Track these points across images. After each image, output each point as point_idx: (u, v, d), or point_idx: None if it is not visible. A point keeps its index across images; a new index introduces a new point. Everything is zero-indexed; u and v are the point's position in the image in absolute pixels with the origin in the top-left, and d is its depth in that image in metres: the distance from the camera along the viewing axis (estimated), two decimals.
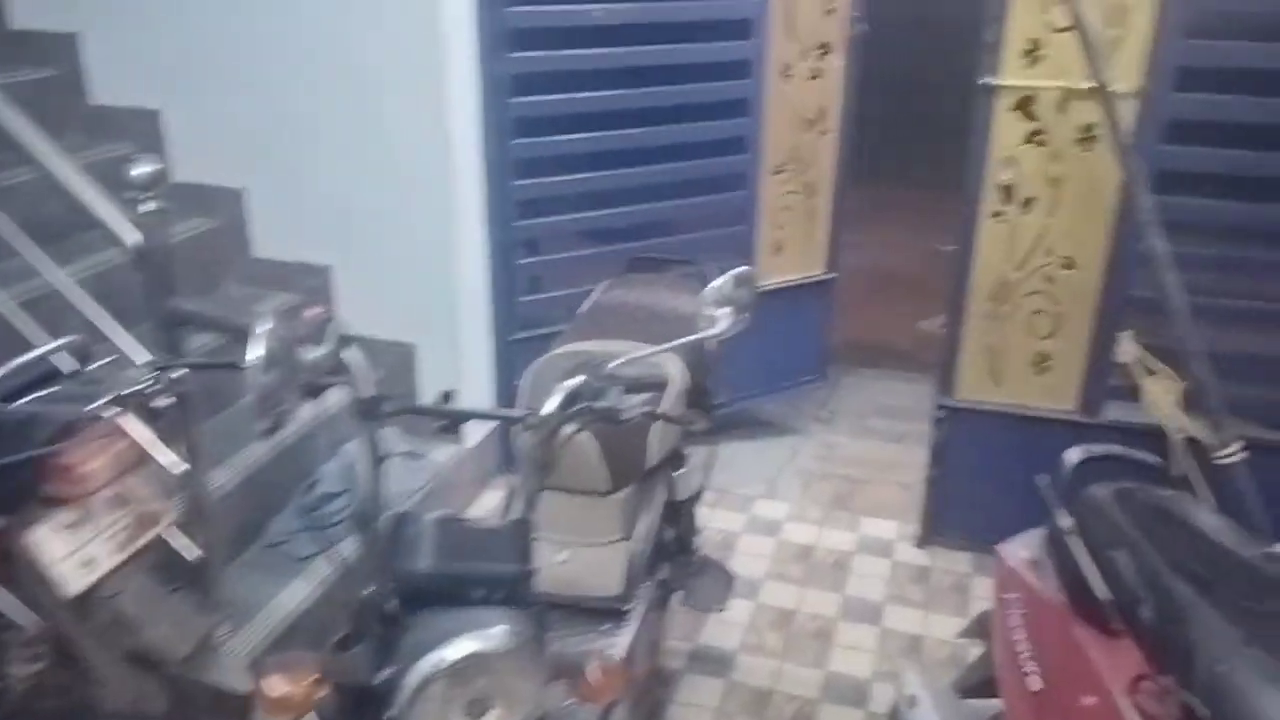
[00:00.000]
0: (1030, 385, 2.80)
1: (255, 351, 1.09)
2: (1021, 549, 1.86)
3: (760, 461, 3.54)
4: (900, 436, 3.77)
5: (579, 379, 1.47)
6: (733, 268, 1.64)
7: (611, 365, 1.46)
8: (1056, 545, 1.73)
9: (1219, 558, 1.56)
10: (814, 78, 3.32)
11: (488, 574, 1.27)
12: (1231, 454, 2.23)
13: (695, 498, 2.28)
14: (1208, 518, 1.69)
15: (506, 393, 3.14)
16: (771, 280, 3.43)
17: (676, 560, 2.25)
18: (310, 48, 2.79)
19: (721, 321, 1.54)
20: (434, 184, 2.86)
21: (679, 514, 2.23)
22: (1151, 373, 2.58)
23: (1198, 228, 2.52)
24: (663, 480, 2.13)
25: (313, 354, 1.26)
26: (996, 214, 2.68)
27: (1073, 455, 1.84)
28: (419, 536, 1.30)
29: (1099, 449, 1.87)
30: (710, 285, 1.57)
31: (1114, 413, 2.73)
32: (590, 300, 2.37)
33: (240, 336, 1.13)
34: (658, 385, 1.59)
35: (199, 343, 2.20)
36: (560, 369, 1.99)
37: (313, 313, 1.29)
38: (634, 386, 1.53)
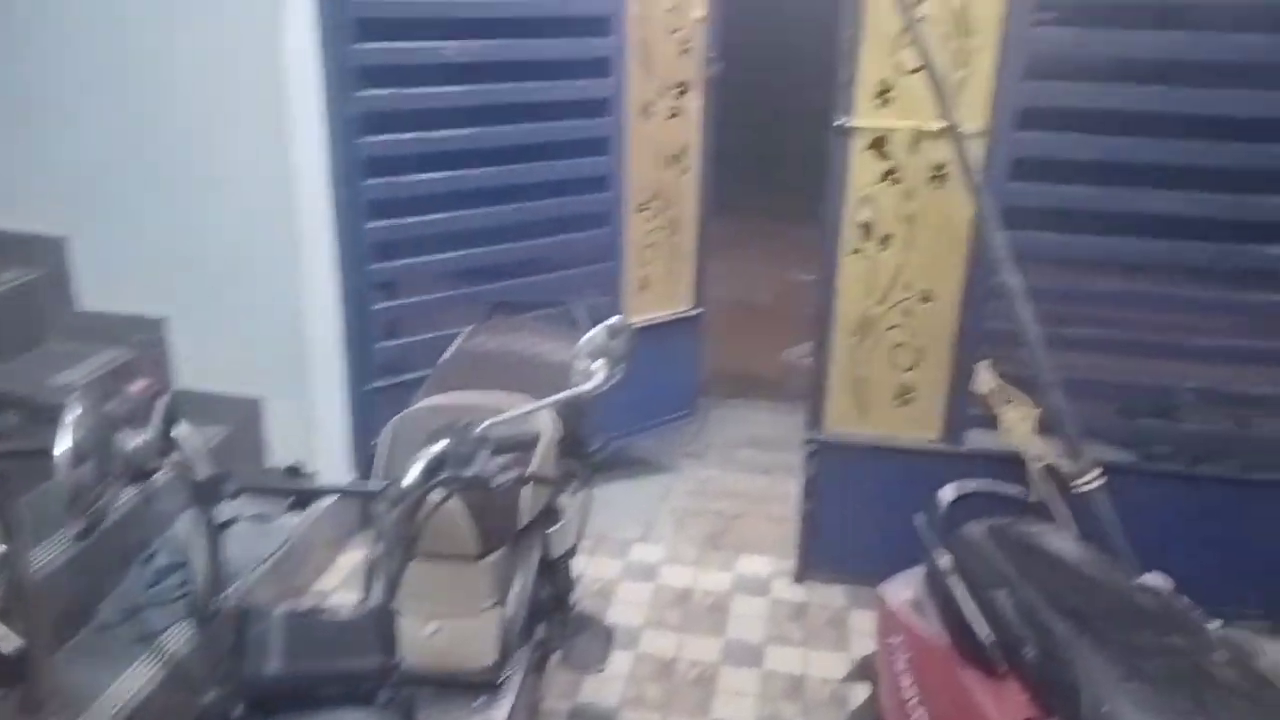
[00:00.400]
0: (895, 416, 2.84)
1: (63, 443, 0.95)
2: (903, 589, 1.85)
3: (635, 502, 3.48)
4: (769, 468, 3.79)
5: (442, 444, 1.37)
6: (601, 309, 1.57)
7: (480, 428, 1.36)
8: (937, 586, 1.72)
9: (1092, 592, 1.58)
10: (673, 116, 3.34)
11: (346, 672, 1.15)
12: (1089, 481, 2.29)
13: (570, 552, 2.19)
14: (1077, 550, 1.71)
15: (364, 446, 2.99)
16: (639, 317, 3.41)
17: (553, 619, 2.16)
18: (140, 81, 2.60)
19: (597, 375, 1.48)
20: (279, 227, 2.69)
21: (554, 571, 2.14)
22: (1008, 401, 2.64)
23: (1046, 260, 2.60)
24: (536, 537, 2.03)
25: (135, 440, 1.12)
26: (856, 250, 2.72)
27: (946, 494, 1.84)
28: (266, 635, 1.18)
29: (970, 485, 1.88)
30: (584, 338, 1.51)
31: (975, 441, 2.79)
32: (453, 348, 2.27)
33: (50, 416, 0.98)
34: (528, 443, 1.50)
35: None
36: (423, 425, 1.89)
37: (138, 387, 1.14)
38: (503, 446, 1.44)
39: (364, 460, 3.03)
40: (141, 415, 1.14)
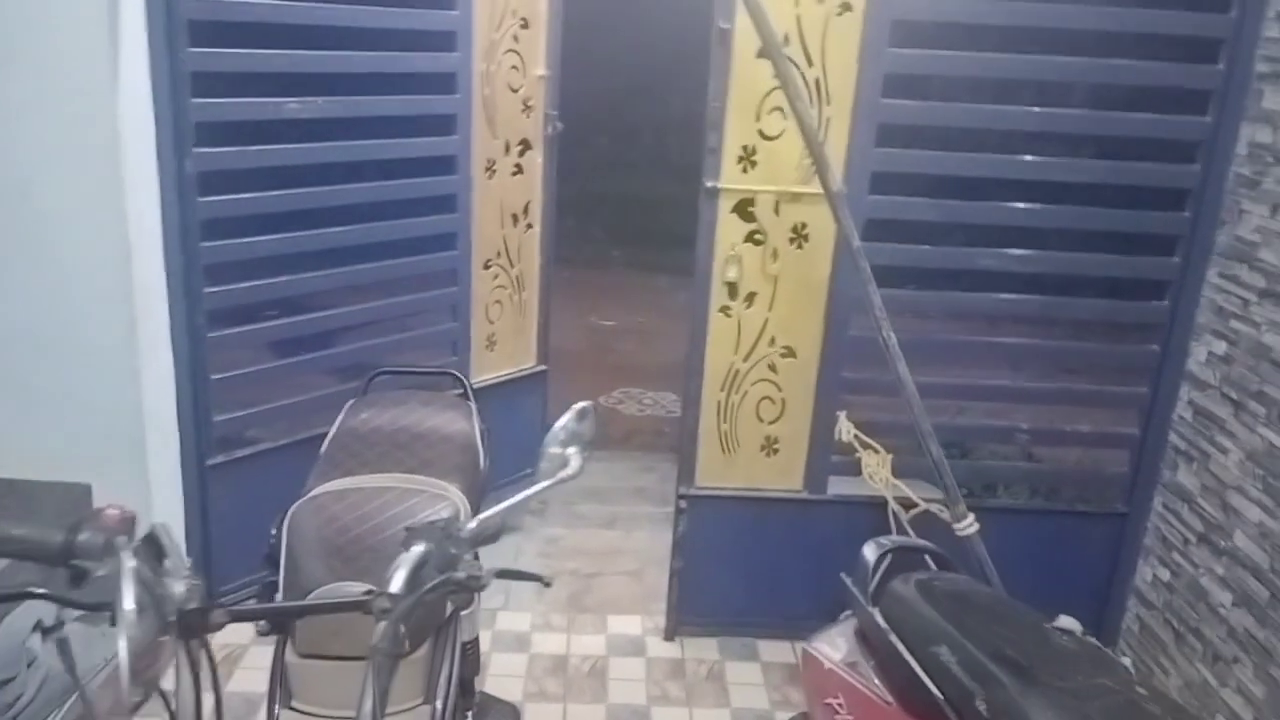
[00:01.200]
0: (762, 467, 2.91)
1: (127, 600, 0.78)
2: (831, 649, 1.88)
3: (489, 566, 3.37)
4: (612, 521, 3.79)
5: (422, 546, 1.29)
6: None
7: (470, 525, 1.31)
8: (875, 646, 1.77)
9: (1023, 639, 1.66)
10: (517, 173, 3.31)
11: None
12: (967, 526, 2.45)
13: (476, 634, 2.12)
14: (994, 598, 1.81)
15: (201, 529, 2.73)
16: (486, 376, 3.35)
17: (464, 705, 2.06)
18: None
19: (574, 461, 1.47)
20: (109, 293, 2.41)
21: (465, 655, 2.04)
22: (866, 447, 2.79)
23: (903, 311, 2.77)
24: (453, 623, 1.94)
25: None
26: (724, 309, 2.78)
27: (870, 552, 1.90)
28: None
29: (887, 541, 1.96)
30: (555, 425, 1.50)
31: (837, 487, 2.91)
32: (336, 426, 2.15)
33: (59, 562, 0.81)
34: (492, 535, 1.44)
35: None
36: (326, 515, 1.79)
37: (113, 515, 0.96)
38: (473, 541, 1.39)
39: (199, 543, 2.76)
40: (108, 547, 0.97)
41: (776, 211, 2.70)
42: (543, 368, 3.61)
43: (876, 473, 2.73)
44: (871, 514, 2.75)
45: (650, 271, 6.67)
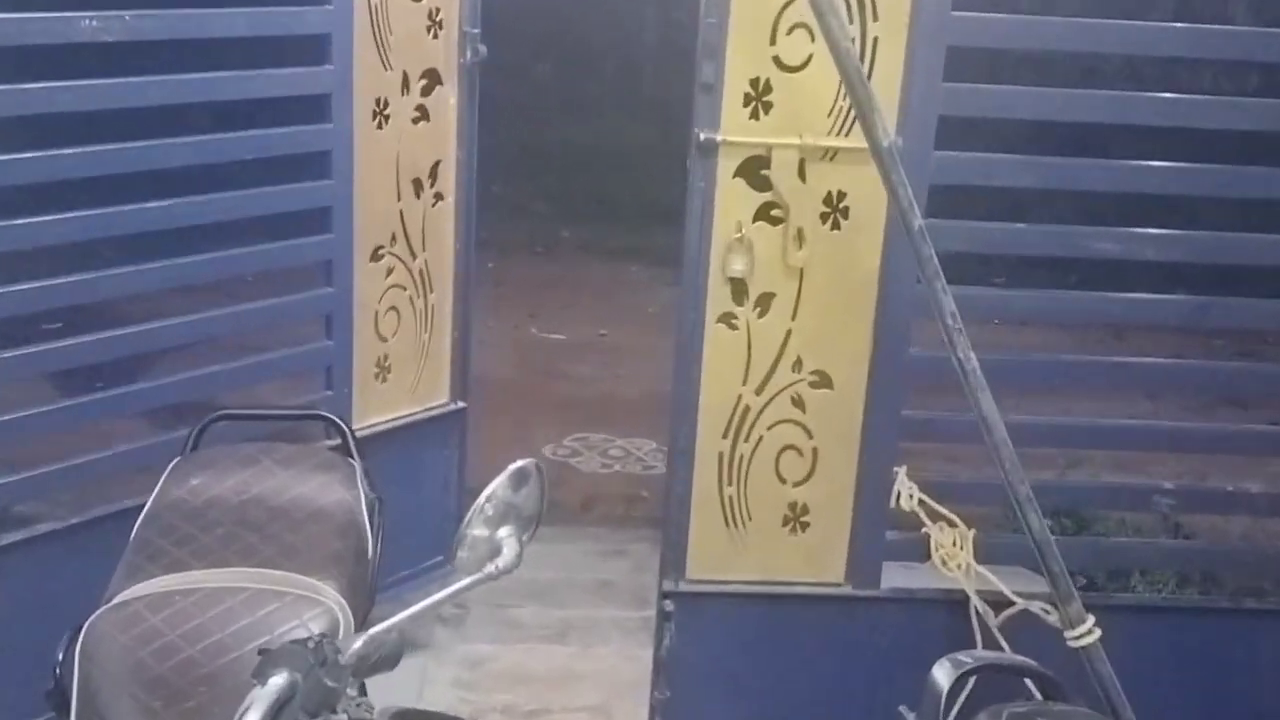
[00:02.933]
0: (785, 551, 2.94)
1: None
2: None
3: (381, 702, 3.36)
4: (565, 631, 3.80)
5: (282, 678, 1.32)
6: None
7: (356, 644, 1.33)
8: None
9: None
10: (420, 120, 3.34)
11: None
12: (1085, 633, 2.48)
13: None
14: None
15: None
16: (376, 419, 3.38)
17: None
18: None
19: (508, 548, 1.51)
20: None
21: None
22: (937, 519, 2.82)
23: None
24: None
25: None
26: (726, 317, 2.80)
27: (943, 674, 1.94)
28: None
29: (968, 658, 2.00)
30: (481, 496, 1.52)
31: (895, 578, 2.93)
32: (155, 498, 2.18)
33: None
34: (389, 659, 1.48)
35: None
36: (139, 628, 1.80)
37: None
38: (361, 669, 1.42)
39: None
40: None
41: (802, 175, 2.73)
42: (460, 405, 3.62)
43: (952, 556, 2.76)
44: (945, 616, 2.78)
45: (617, 259, 6.75)
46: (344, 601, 1.94)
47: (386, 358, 3.41)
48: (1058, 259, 2.96)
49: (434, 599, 1.50)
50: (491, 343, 5.41)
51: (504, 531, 1.56)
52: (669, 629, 2.94)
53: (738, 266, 2.76)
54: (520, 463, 1.59)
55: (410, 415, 3.49)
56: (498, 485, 1.56)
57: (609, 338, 6.07)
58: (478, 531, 1.54)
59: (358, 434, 2.67)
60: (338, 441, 2.49)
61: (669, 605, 2.94)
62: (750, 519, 2.92)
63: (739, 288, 2.78)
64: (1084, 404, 3.40)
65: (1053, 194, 2.82)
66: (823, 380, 2.85)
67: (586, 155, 7.31)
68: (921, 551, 2.83)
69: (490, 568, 1.54)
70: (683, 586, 2.94)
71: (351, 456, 2.36)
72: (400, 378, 3.46)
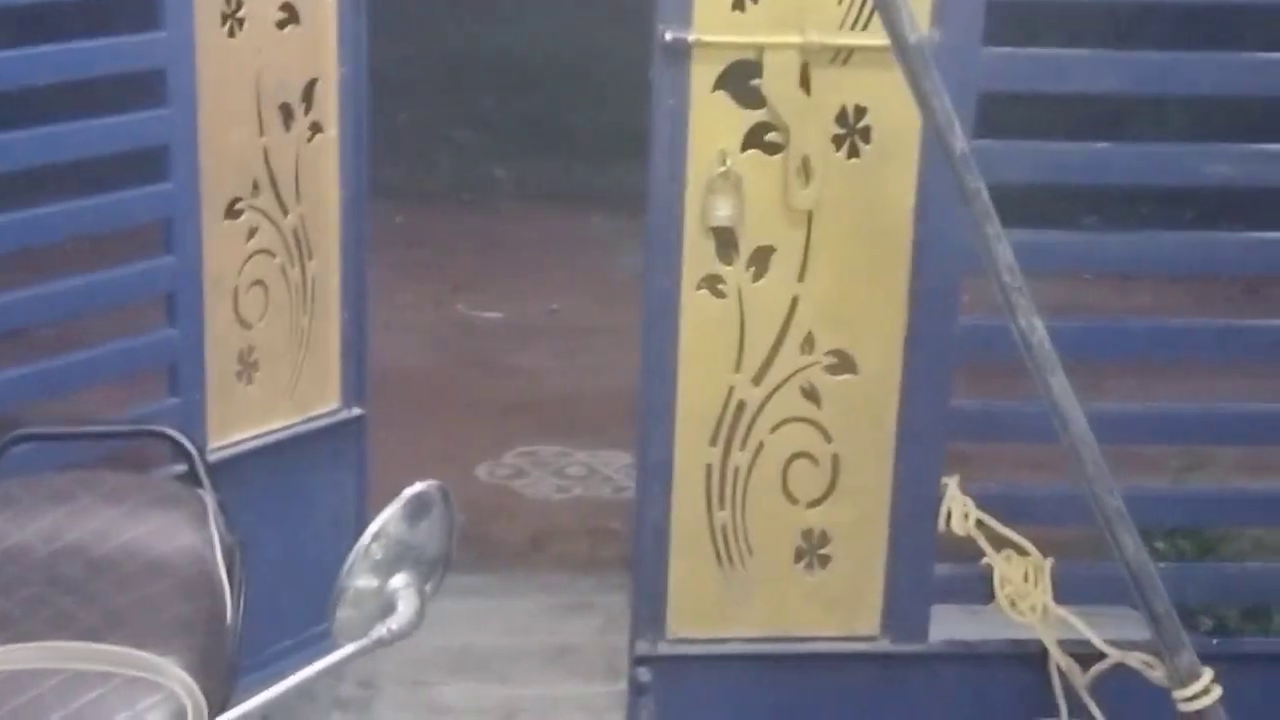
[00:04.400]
0: (799, 594, 2.98)
1: None
2: None
3: None
4: (509, 715, 3.81)
5: None
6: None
7: None
8: None
9: None
10: (287, 23, 3.33)
11: None
12: (1199, 693, 2.50)
13: None
14: None
15: None
16: (238, 436, 3.38)
17: None
18: None
19: (405, 603, 1.53)
20: None
21: None
22: (1001, 545, 2.85)
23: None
24: None
25: None
26: (710, 282, 2.84)
27: None
28: None
29: None
30: (364, 537, 1.53)
31: (947, 627, 2.98)
32: None
33: None
34: None
35: None
36: None
37: None
38: None
39: None
40: None
41: (805, 86, 2.76)
42: (356, 412, 3.62)
43: (1023, 595, 2.80)
44: (1015, 676, 2.83)
45: (573, 208, 6.73)
46: (192, 683, 1.91)
47: (252, 350, 3.40)
48: (1163, 190, 2.98)
49: (303, 674, 1.50)
50: (401, 326, 5.38)
51: (398, 581, 1.56)
52: (646, 706, 2.98)
53: (723, 212, 2.79)
54: (418, 487, 1.59)
55: (287, 428, 3.50)
56: (388, 519, 1.57)
57: (563, 315, 6.07)
58: (363, 582, 1.55)
59: (212, 456, 2.68)
60: (184, 468, 2.49)
61: (645, 674, 2.98)
62: (751, 554, 2.96)
63: (726, 241, 2.82)
64: (1206, 384, 3.43)
65: (1150, 102, 2.82)
66: (843, 363, 2.89)
67: (530, 67, 7.26)
68: (982, 590, 2.88)
69: (381, 630, 1.55)
70: (663, 649, 2.98)
71: (202, 487, 2.36)
72: (271, 377, 3.45)
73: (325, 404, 3.61)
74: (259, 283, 3.39)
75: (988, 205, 2.46)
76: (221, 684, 2.05)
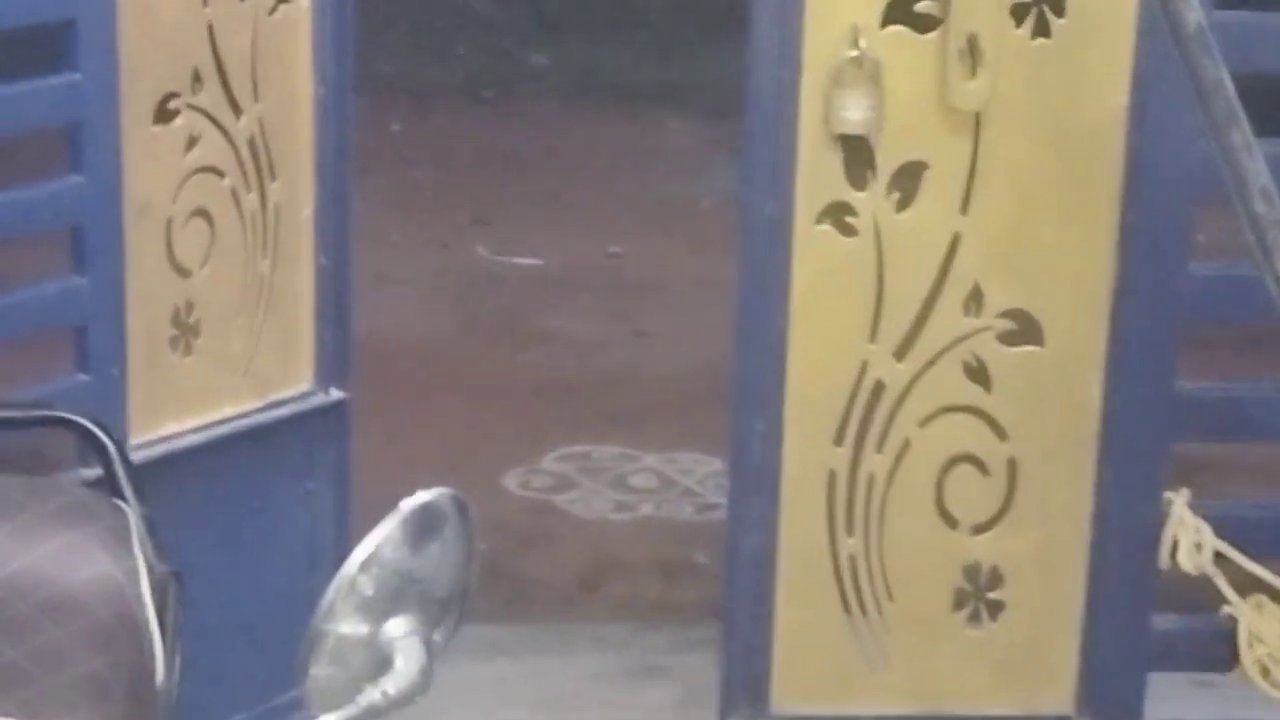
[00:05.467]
0: (959, 655, 3.00)
1: None
2: None
3: None
4: None
5: None
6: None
7: None
8: None
9: None
10: None
11: None
12: None
13: None
14: None
15: None
16: (173, 426, 3.39)
17: None
18: None
19: (404, 658, 1.56)
20: None
21: None
22: (1251, 590, 2.85)
23: None
24: None
25: None
26: (835, 213, 2.86)
27: None
28: None
29: None
30: (345, 570, 1.54)
31: (1175, 705, 2.97)
32: None
33: None
34: None
35: None
36: None
37: None
38: None
39: None
40: None
41: None
42: (337, 395, 3.65)
43: (1279, 659, 2.78)
44: None
45: (638, 108, 6.71)
46: None
47: (191, 308, 3.42)
48: None
49: None
50: (399, 277, 5.40)
51: (397, 627, 1.58)
52: None
53: (854, 114, 2.80)
54: (423, 496, 1.60)
55: (240, 416, 3.51)
56: (382, 541, 1.57)
57: (625, 262, 6.09)
58: (348, 628, 1.55)
59: (137, 454, 2.68)
60: (97, 470, 2.51)
61: None
62: (891, 598, 2.99)
63: (858, 155, 2.84)
64: None
65: None
66: (1023, 329, 2.91)
67: None
68: (1220, 652, 2.88)
69: (373, 695, 1.56)
70: None
71: (122, 496, 2.38)
72: (219, 346, 3.47)
73: (293, 384, 3.63)
74: (201, 213, 3.40)
75: (1233, 103, 2.45)
76: None
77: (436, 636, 1.61)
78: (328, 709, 1.56)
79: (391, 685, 1.56)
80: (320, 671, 1.56)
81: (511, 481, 4.89)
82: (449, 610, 1.64)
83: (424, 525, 1.60)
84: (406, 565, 1.58)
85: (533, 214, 6.27)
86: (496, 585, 4.28)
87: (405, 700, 1.56)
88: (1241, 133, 2.42)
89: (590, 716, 4.05)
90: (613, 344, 5.64)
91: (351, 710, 1.56)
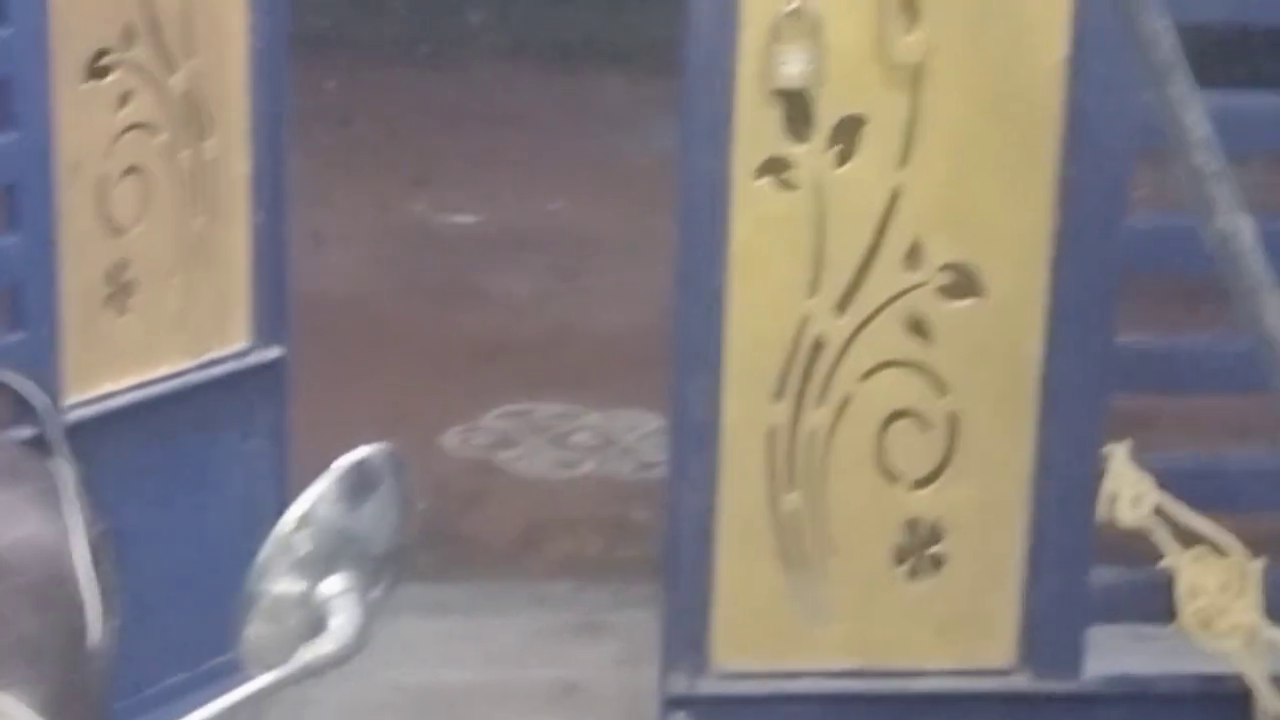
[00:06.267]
0: (900, 609, 3.00)
1: None
2: None
3: None
4: None
5: None
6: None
7: None
8: None
9: None
10: None
11: None
12: None
13: None
14: None
15: None
16: (108, 386, 3.38)
17: None
18: None
19: (340, 616, 1.54)
20: None
21: None
22: (1191, 543, 2.85)
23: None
24: None
25: None
26: (774, 168, 2.85)
27: None
28: None
29: None
30: (279, 527, 1.54)
31: (1112, 659, 2.98)
32: None
33: None
34: None
35: None
36: None
37: None
38: None
39: None
40: None
41: None
42: (274, 353, 3.65)
43: (1220, 611, 2.79)
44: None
45: (574, 65, 6.70)
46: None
47: (125, 266, 3.42)
48: None
49: (201, 716, 1.51)
50: (337, 235, 5.39)
51: (333, 585, 1.57)
52: None
53: (794, 67, 2.78)
54: (360, 452, 1.59)
55: (176, 375, 3.52)
56: (318, 498, 1.56)
57: (564, 218, 6.08)
58: (283, 587, 1.54)
59: (71, 414, 2.67)
60: (30, 430, 2.49)
61: None
62: (832, 554, 2.98)
63: (797, 110, 2.83)
64: None
65: None
66: (963, 282, 2.90)
67: None
68: (1159, 605, 2.89)
69: (309, 655, 1.54)
70: (706, 686, 3.00)
71: (55, 455, 2.37)
72: (154, 304, 3.47)
73: (230, 342, 3.63)
74: (134, 170, 3.41)
75: (1173, 55, 2.44)
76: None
77: (374, 594, 1.59)
78: (264, 668, 1.55)
79: (328, 644, 1.54)
80: (256, 631, 1.55)
81: (452, 439, 4.89)
82: (386, 567, 1.63)
83: (359, 482, 1.59)
84: (342, 522, 1.57)
85: (471, 172, 6.27)
86: (437, 544, 4.27)
87: (342, 658, 1.54)
88: (1181, 85, 2.42)
89: (533, 673, 4.05)
90: (553, 301, 5.65)
91: (288, 669, 1.54)
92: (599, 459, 4.91)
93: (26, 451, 2.38)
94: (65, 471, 2.34)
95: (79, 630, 2.13)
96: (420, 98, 6.56)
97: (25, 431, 2.48)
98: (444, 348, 5.32)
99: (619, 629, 4.15)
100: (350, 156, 5.82)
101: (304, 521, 1.55)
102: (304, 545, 1.56)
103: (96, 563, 2.23)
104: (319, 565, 1.58)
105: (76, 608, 2.15)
